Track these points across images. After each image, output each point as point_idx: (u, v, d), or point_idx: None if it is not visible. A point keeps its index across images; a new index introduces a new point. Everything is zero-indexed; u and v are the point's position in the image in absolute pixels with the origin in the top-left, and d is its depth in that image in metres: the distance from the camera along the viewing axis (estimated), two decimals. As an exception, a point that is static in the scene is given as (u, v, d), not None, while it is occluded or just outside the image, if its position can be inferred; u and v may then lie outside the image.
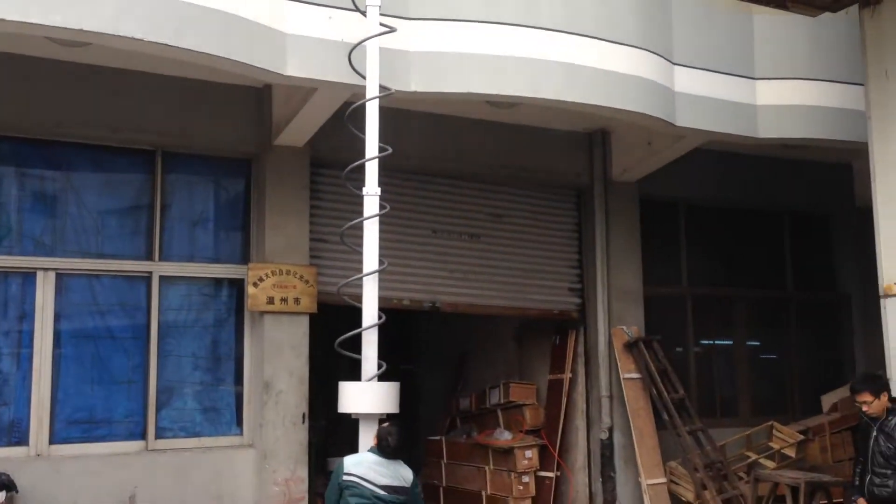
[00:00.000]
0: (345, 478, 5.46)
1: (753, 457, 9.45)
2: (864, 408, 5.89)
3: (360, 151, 6.41)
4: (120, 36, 5.78)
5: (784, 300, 11.11)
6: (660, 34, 7.99)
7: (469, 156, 9.04)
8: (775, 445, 9.65)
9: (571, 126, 9.36)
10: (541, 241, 9.62)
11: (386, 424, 5.76)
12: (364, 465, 5.50)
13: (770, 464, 9.38)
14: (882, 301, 6.05)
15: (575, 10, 7.32)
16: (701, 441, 9.13)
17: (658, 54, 7.93)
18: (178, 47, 5.98)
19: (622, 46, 7.55)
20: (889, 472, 5.82)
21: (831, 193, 11.00)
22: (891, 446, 5.83)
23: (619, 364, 9.31)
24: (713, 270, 10.73)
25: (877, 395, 5.89)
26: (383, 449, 5.53)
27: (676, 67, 8.19)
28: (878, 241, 6.11)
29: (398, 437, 5.55)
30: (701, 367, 10.49)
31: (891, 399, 5.92)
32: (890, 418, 5.82)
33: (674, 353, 10.01)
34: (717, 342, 10.85)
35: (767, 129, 8.61)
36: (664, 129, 8.25)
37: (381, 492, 5.40)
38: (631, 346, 9.34)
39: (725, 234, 10.82)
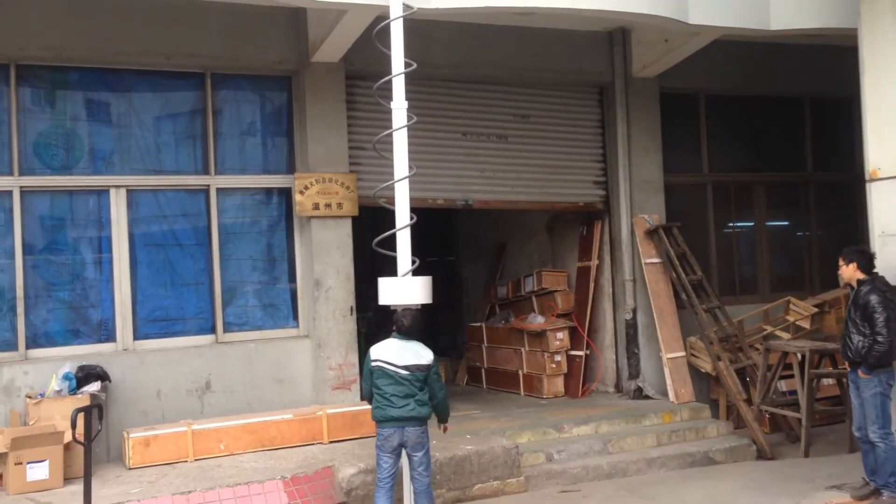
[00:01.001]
0: (372, 364, 6.25)
1: (769, 329, 10.19)
2: (839, 272, 6.54)
3: (391, 64, 6.97)
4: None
5: (804, 182, 11.56)
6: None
7: (495, 61, 9.54)
8: (791, 318, 10.36)
9: (592, 26, 9.73)
10: (566, 139, 10.19)
11: (400, 309, 6.45)
12: (388, 350, 6.27)
13: (785, 335, 10.11)
14: (867, 185, 6.57)
15: None
16: (718, 317, 9.87)
17: (668, -47, 8.23)
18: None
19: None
20: (852, 334, 6.52)
21: (850, 76, 11.18)
22: (852, 313, 6.51)
23: (640, 250, 10.00)
24: (734, 157, 11.20)
25: (846, 262, 6.51)
26: (400, 330, 6.30)
27: (688, -35, 8.47)
28: (865, 129, 6.58)
29: (412, 318, 6.28)
30: (721, 250, 11.10)
31: (868, 273, 6.50)
32: (860, 289, 6.47)
33: (695, 238, 10.62)
34: (737, 225, 11.41)
35: (780, 21, 8.90)
36: (678, 27, 8.63)
37: (404, 371, 6.19)
38: (651, 233, 10.00)
39: (746, 121, 11.22)
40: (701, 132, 10.95)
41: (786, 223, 11.79)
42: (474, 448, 7.66)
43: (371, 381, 6.26)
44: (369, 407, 8.47)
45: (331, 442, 8.00)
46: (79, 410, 5.68)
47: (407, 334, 6.28)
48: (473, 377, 11.97)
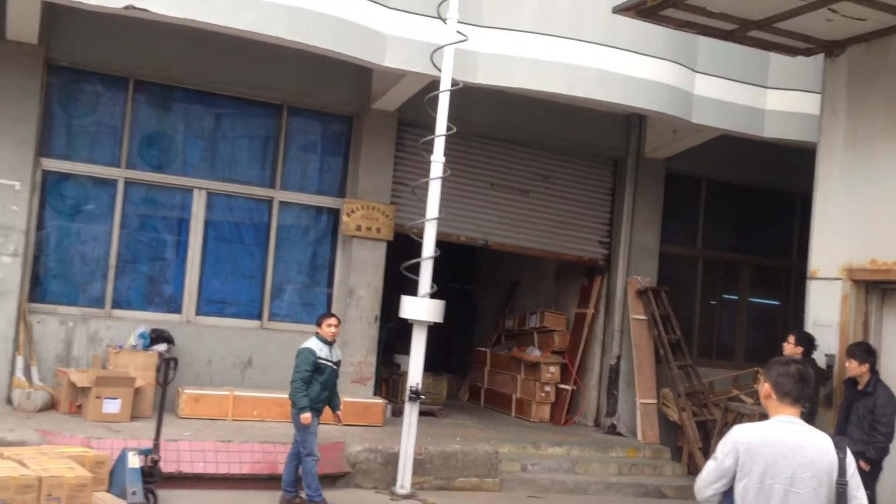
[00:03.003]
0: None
1: (736, 393, 11.58)
2: (784, 345, 7.78)
3: (436, 123, 8.58)
4: (268, 34, 8.17)
5: (787, 268, 13.00)
6: (685, 48, 9.84)
7: (525, 126, 11.18)
8: (757, 386, 11.75)
9: (612, 109, 11.32)
10: (579, 200, 11.80)
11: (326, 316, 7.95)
12: (323, 350, 7.73)
13: (749, 400, 11.49)
14: (808, 282, 8.02)
15: (612, 28, 9.22)
16: (690, 375, 11.32)
17: (681, 64, 9.84)
18: (309, 44, 8.33)
19: (650, 58, 9.50)
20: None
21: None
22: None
23: (630, 306, 11.52)
24: (726, 237, 12.71)
25: (795, 343, 7.72)
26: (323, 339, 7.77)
27: (698, 75, 10.06)
28: (812, 235, 8.02)
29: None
30: (704, 317, 12.58)
31: (804, 353, 7.74)
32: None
33: (682, 303, 12.10)
34: (722, 297, 12.88)
35: (772, 130, 10.46)
36: (683, 123, 10.20)
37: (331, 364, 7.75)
38: (642, 293, 11.52)
39: (741, 207, 12.72)
40: (699, 212, 12.48)
41: (766, 301, 13.21)
42: (461, 447, 9.20)
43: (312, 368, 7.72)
44: (380, 401, 10.18)
45: (344, 425, 9.56)
46: (164, 360, 7.35)
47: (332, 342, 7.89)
48: (473, 395, 13.50)
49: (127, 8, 7.59)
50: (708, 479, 3.63)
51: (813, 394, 4.96)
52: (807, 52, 8.23)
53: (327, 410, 7.94)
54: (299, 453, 7.61)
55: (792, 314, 13.00)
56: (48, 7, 8.31)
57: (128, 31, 9.16)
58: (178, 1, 7.77)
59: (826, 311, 7.85)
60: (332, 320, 7.87)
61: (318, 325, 7.87)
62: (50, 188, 9.37)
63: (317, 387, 7.65)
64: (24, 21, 8.46)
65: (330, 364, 7.79)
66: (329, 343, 7.80)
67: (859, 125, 7.74)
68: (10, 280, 8.86)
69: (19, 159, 8.93)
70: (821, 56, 8.32)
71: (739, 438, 3.53)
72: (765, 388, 3.62)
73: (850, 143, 7.81)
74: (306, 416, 7.47)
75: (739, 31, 7.87)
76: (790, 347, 7.80)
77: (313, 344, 7.73)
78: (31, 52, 8.96)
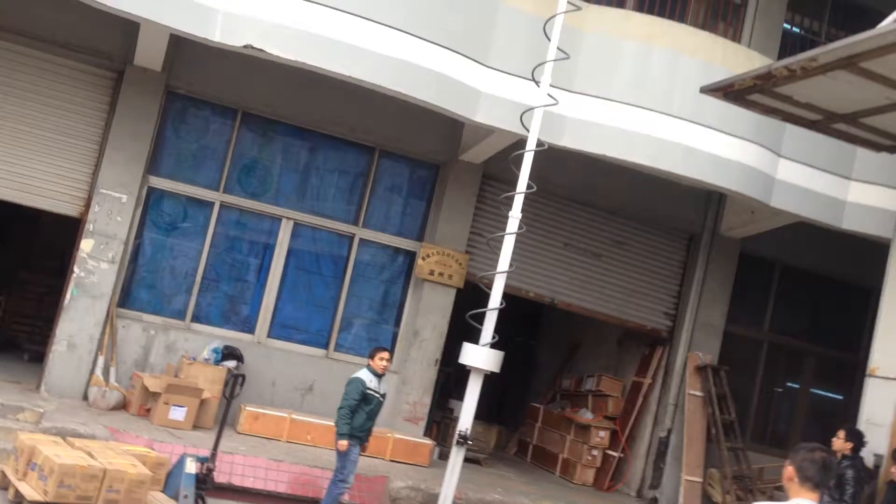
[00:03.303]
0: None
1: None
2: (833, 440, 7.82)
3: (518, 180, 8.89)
4: (375, 83, 8.67)
5: (853, 363, 12.78)
6: (770, 132, 9.99)
7: (605, 191, 11.44)
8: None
9: (694, 184, 11.49)
10: (649, 270, 11.94)
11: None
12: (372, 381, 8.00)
13: (800, 492, 11.33)
14: (866, 378, 8.02)
15: (700, 106, 9.45)
16: (739, 458, 11.23)
17: (766, 147, 9.99)
18: (410, 95, 8.80)
19: (735, 138, 9.68)
20: (824, 494, 7.68)
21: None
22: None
23: (688, 381, 11.53)
24: (794, 324, 12.62)
25: (845, 438, 7.78)
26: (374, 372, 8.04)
27: (781, 159, 10.20)
28: (876, 332, 8.05)
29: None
30: (762, 401, 12.48)
31: (856, 450, 7.81)
32: (842, 462, 7.72)
33: (741, 385, 12.04)
34: (784, 383, 12.75)
35: (851, 222, 10.48)
36: (761, 206, 10.31)
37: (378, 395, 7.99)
38: (701, 370, 11.53)
39: (813, 295, 12.64)
40: (769, 295, 12.47)
41: (828, 393, 13.01)
42: (500, 498, 9.36)
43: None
44: (429, 442, 10.38)
45: (391, 460, 9.85)
46: (234, 376, 7.78)
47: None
48: (521, 450, 13.60)
49: (246, 47, 8.21)
50: None
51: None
52: (891, 150, 8.32)
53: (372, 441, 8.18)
54: (335, 479, 7.85)
55: (854, 409, 12.76)
56: (175, 39, 9.01)
57: (241, 66, 9.80)
58: (293, 45, 8.36)
59: (880, 411, 7.86)
60: (385, 354, 8.18)
61: (371, 357, 8.17)
62: (152, 204, 10.02)
63: (362, 416, 7.92)
64: (152, 50, 9.20)
65: (377, 395, 8.06)
66: (379, 376, 8.09)
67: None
68: (105, 284, 9.48)
69: (130, 175, 9.61)
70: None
71: None
72: (788, 470, 3.71)
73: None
74: (343, 444, 7.74)
75: (824, 123, 8.04)
76: (839, 442, 7.82)
77: (364, 375, 8.03)
78: (154, 78, 9.69)
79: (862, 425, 7.89)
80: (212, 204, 10.18)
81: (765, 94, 7.55)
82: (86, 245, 9.41)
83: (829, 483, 3.80)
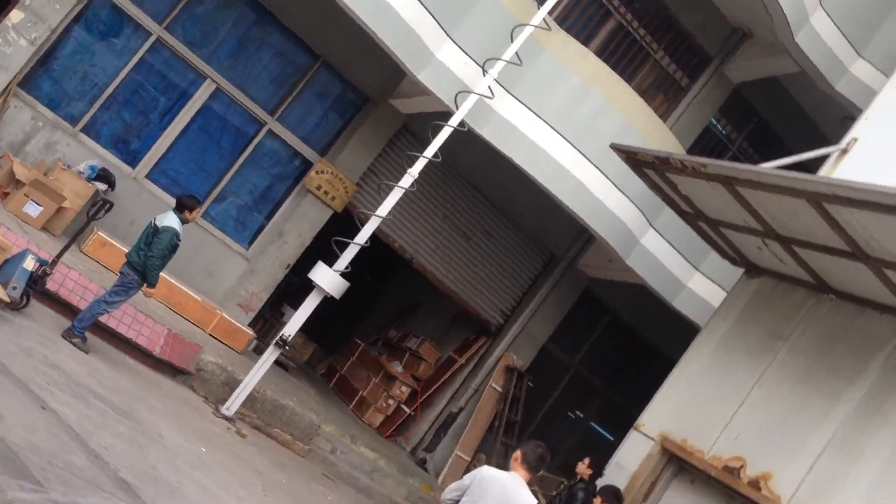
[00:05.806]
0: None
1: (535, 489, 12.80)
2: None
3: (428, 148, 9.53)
4: (352, 10, 9.04)
5: (634, 414, 14.26)
6: (653, 204, 10.95)
7: (497, 187, 12.26)
8: (555, 492, 12.97)
9: (573, 216, 12.44)
10: (505, 268, 12.96)
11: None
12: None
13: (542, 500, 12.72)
14: (631, 430, 9.27)
15: (608, 156, 10.12)
16: (508, 453, 12.45)
17: (644, 214, 11.07)
18: (376, 32, 9.20)
19: (623, 196, 10.67)
20: None
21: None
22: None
23: (494, 375, 12.65)
24: (601, 365, 13.98)
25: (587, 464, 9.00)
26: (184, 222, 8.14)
27: (651, 229, 11.31)
28: (657, 394, 9.28)
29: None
30: (547, 417, 13.78)
31: (591, 476, 8.96)
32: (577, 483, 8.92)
33: (536, 397, 13.27)
34: (573, 409, 14.13)
35: (681, 304, 11.83)
36: (618, 259, 11.41)
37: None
38: (509, 370, 12.67)
39: (626, 349, 13.99)
40: (592, 334, 13.76)
41: (603, 431, 14.52)
42: (292, 405, 10.08)
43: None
44: (251, 333, 10.95)
45: (210, 334, 10.39)
46: (102, 200, 8.09)
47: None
48: (328, 374, 14.41)
49: None
50: (451, 487, 5.22)
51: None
52: (733, 262, 9.52)
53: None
54: (104, 300, 7.92)
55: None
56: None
57: None
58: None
59: (631, 458, 9.07)
60: (201, 210, 8.28)
61: (191, 209, 8.14)
62: (94, 7, 10.01)
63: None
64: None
65: (179, 244, 8.20)
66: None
67: (736, 337, 9.00)
68: (15, 61, 9.48)
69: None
70: (741, 270, 9.62)
71: (482, 471, 5.14)
72: (517, 453, 5.20)
73: (719, 347, 9.09)
74: (152, 292, 8.06)
75: (693, 217, 9.09)
76: (583, 467, 8.96)
77: (178, 226, 8.06)
78: None
79: (611, 465, 9.11)
80: (149, 34, 10.29)
81: (657, 173, 8.45)
82: (15, 16, 9.36)
83: (540, 470, 5.32)
